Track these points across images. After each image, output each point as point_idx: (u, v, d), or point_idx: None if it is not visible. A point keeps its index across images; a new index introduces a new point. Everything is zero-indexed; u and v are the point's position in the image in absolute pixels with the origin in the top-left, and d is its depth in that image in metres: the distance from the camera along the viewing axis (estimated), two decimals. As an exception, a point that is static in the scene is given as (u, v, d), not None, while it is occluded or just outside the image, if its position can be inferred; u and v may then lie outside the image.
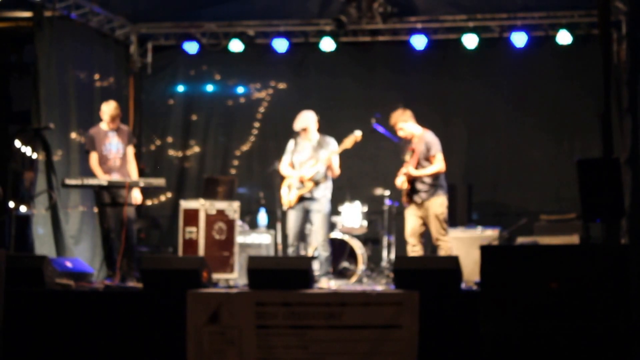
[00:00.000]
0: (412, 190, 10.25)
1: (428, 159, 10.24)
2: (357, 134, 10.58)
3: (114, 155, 10.65)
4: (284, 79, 14.06)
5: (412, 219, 10.29)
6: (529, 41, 12.95)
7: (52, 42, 11.68)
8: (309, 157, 10.65)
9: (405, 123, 10.39)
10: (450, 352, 7.34)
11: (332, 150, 10.60)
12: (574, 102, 13.03)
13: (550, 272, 6.95)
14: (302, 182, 10.59)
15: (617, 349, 6.72)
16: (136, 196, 10.62)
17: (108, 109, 10.71)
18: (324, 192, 10.65)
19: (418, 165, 10.25)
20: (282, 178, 11.01)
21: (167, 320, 7.71)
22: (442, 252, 10.03)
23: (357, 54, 13.82)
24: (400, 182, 10.32)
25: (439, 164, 10.21)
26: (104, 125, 10.73)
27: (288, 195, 10.73)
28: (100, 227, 10.65)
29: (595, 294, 6.82)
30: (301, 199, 10.63)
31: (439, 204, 10.16)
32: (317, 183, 10.59)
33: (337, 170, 10.69)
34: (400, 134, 10.45)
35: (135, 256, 10.39)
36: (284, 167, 10.90)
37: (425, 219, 10.22)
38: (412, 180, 10.24)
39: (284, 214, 11.21)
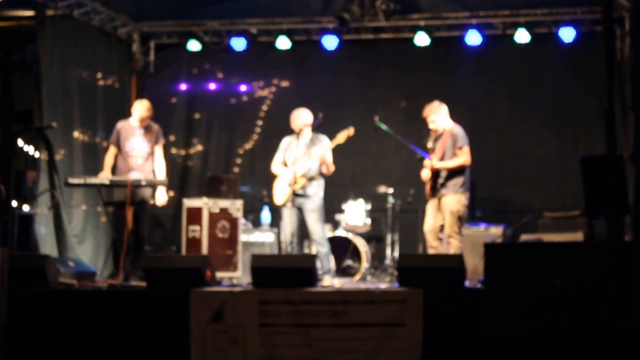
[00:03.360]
0: (436, 184, 10.22)
1: (454, 151, 10.20)
2: (350, 129, 10.51)
3: (137, 153, 10.58)
4: (287, 77, 14.06)
5: (431, 214, 10.22)
6: (532, 38, 12.93)
7: (55, 41, 11.68)
8: (302, 154, 10.61)
9: (437, 116, 10.32)
10: (454, 350, 7.33)
11: (325, 146, 10.55)
12: (577, 99, 13.01)
13: (554, 270, 6.93)
14: (294, 178, 10.54)
15: (622, 346, 6.70)
16: (160, 197, 10.55)
17: (140, 109, 10.66)
18: (317, 190, 10.58)
19: (444, 158, 10.21)
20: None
21: (171, 319, 7.70)
22: (452, 250, 9.99)
23: (360, 52, 13.81)
24: (425, 174, 10.29)
25: (463, 157, 10.14)
26: (133, 122, 10.70)
27: (280, 191, 10.68)
28: (113, 225, 10.55)
29: (599, 291, 6.81)
30: (294, 195, 10.57)
31: (455, 201, 10.09)
32: (310, 179, 10.53)
33: (331, 167, 10.63)
34: (431, 126, 10.36)
35: (142, 255, 10.33)
36: (275, 165, 10.84)
37: (442, 214, 10.19)
38: (435, 175, 10.20)
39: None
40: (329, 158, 10.57)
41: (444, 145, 10.23)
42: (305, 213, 10.52)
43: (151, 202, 10.62)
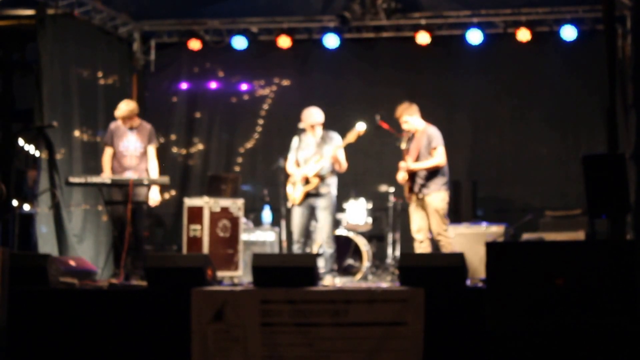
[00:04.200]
0: (414, 185, 10.20)
1: (429, 152, 10.18)
2: (360, 128, 10.51)
3: (131, 154, 10.57)
4: (288, 75, 14.04)
5: (416, 215, 10.23)
6: (533, 37, 12.91)
7: (55, 40, 11.67)
8: (314, 153, 10.62)
9: (410, 116, 10.32)
10: (455, 349, 7.32)
11: (337, 144, 10.57)
12: (578, 97, 13.00)
13: (556, 269, 6.92)
14: (306, 180, 10.54)
15: (623, 345, 6.69)
16: (153, 196, 10.55)
17: (120, 108, 10.63)
18: (330, 189, 10.62)
19: (419, 159, 10.19)
20: (286, 176, 10.99)
21: (172, 318, 7.69)
22: (443, 248, 9.99)
23: (361, 51, 13.80)
24: (401, 177, 10.27)
25: (438, 158, 10.13)
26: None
27: (294, 192, 10.70)
28: (112, 225, 10.56)
29: (600, 290, 6.79)
30: (307, 195, 10.59)
31: (440, 199, 10.10)
32: (322, 179, 10.55)
33: (344, 164, 10.65)
34: (405, 127, 10.37)
35: (142, 254, 10.33)
36: (289, 165, 10.87)
37: (427, 214, 10.16)
38: (413, 175, 10.18)
39: (289, 211, 11.21)
40: (341, 156, 10.59)
41: (419, 146, 10.22)
42: (318, 211, 10.57)
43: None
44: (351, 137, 10.51)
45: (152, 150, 10.72)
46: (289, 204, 10.92)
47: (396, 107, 10.42)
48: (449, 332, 7.35)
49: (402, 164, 10.23)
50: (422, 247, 10.16)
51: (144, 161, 10.64)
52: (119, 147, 10.59)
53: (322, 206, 10.56)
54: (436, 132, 10.26)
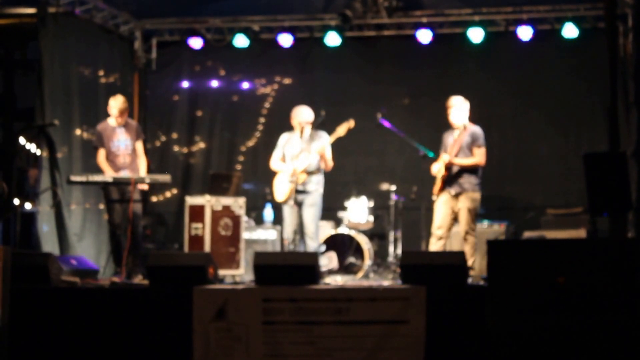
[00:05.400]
0: (449, 180, 10.20)
1: (471, 150, 10.21)
2: (351, 122, 10.49)
3: (123, 152, 10.58)
4: (289, 74, 14.03)
5: (444, 210, 10.20)
6: (535, 35, 12.90)
7: (56, 39, 11.66)
8: (301, 149, 10.59)
9: (463, 107, 10.35)
10: (457, 347, 7.32)
11: (325, 141, 10.51)
12: (580, 95, 12.99)
13: (557, 267, 6.92)
14: (294, 175, 10.51)
15: (624, 343, 6.69)
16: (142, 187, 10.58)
17: (116, 103, 10.62)
18: (317, 186, 10.58)
19: (457, 156, 10.22)
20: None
21: (173, 316, 7.69)
22: (467, 247, 9.99)
23: (363, 49, 13.79)
24: (437, 169, 10.27)
25: (480, 157, 10.19)
26: (111, 121, 10.67)
27: (282, 189, 10.66)
28: (109, 224, 10.60)
29: (602, 288, 6.79)
30: (294, 192, 10.55)
31: (474, 198, 10.14)
32: (309, 174, 10.51)
33: (330, 162, 10.62)
34: (451, 118, 10.39)
35: (141, 253, 10.35)
36: (274, 161, 10.83)
37: (458, 211, 10.17)
38: (449, 171, 10.20)
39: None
40: (328, 153, 10.56)
41: (461, 142, 10.24)
42: (304, 207, 10.52)
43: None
44: (341, 130, 10.47)
45: (140, 145, 10.74)
46: (278, 201, 10.82)
47: (450, 97, 10.44)
48: (451, 330, 7.35)
49: (444, 156, 10.25)
50: (439, 244, 10.16)
51: (135, 158, 10.65)
52: (110, 148, 10.58)
53: (309, 203, 10.52)
54: (481, 131, 10.34)
